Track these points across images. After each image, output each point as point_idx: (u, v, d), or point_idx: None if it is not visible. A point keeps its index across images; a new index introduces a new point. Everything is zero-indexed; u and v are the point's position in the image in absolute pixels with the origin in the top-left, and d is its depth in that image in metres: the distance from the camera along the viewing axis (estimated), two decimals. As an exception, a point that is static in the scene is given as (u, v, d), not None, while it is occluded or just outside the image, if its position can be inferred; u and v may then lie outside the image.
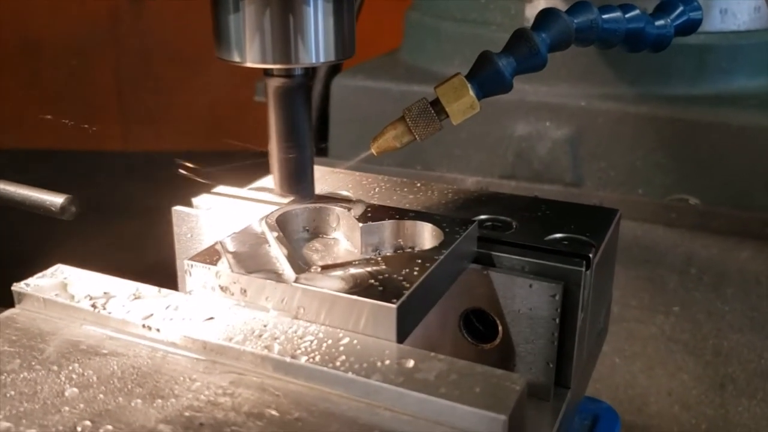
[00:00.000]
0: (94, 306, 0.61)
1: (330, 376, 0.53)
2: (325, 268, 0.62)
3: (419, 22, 2.20)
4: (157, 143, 3.29)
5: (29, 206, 0.74)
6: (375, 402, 0.52)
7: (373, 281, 0.60)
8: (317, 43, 0.70)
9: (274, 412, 0.51)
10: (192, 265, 0.63)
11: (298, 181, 0.77)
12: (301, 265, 0.62)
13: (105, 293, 0.63)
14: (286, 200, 0.77)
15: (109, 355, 0.57)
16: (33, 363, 0.56)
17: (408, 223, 0.70)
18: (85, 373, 0.55)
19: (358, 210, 0.71)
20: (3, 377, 0.54)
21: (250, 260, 0.64)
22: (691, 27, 0.88)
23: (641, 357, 1.59)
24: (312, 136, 0.78)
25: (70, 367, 0.56)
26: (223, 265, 0.62)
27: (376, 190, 0.85)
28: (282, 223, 0.70)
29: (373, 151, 0.78)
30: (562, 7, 0.78)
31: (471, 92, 0.74)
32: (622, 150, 1.88)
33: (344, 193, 0.83)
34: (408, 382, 0.52)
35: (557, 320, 0.67)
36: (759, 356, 1.55)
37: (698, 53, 1.89)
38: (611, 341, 1.63)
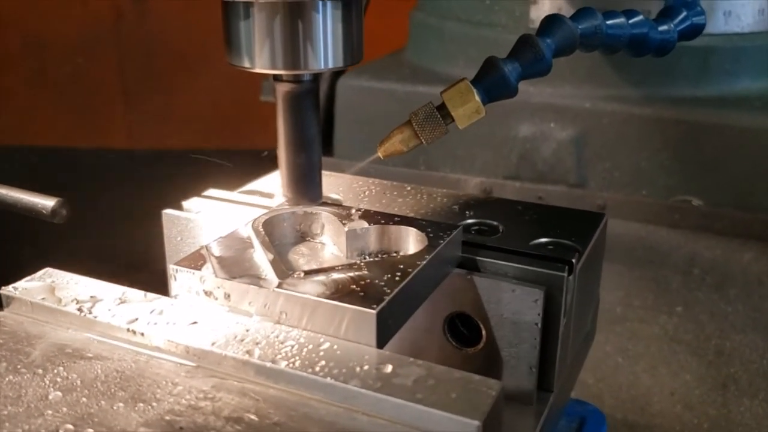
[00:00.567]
0: (80, 310, 0.62)
1: (309, 381, 0.54)
2: (308, 273, 0.63)
3: (424, 22, 2.20)
4: (162, 141, 3.30)
5: (21, 209, 0.75)
6: (353, 407, 0.53)
7: (354, 287, 0.61)
8: (326, 49, 0.70)
9: (253, 417, 0.52)
10: (177, 270, 0.64)
11: (307, 186, 0.78)
12: (284, 270, 0.63)
13: (92, 297, 0.64)
14: (274, 204, 0.78)
15: (93, 358, 0.58)
16: (18, 366, 0.57)
17: (393, 228, 0.70)
18: (70, 377, 0.56)
19: (344, 215, 0.72)
20: (-12, 381, 0.55)
21: (235, 265, 0.65)
22: (694, 32, 0.88)
23: (644, 357, 1.60)
24: (320, 140, 0.78)
25: (55, 371, 0.57)
26: (208, 269, 0.63)
27: (366, 193, 0.85)
28: (269, 228, 0.71)
29: (380, 154, 0.78)
30: (567, 8, 0.78)
31: (477, 97, 0.75)
32: (626, 151, 1.88)
33: (334, 196, 0.84)
34: (385, 387, 0.53)
35: (539, 325, 0.68)
36: (761, 357, 1.55)
37: (702, 55, 1.88)
38: (614, 341, 1.63)
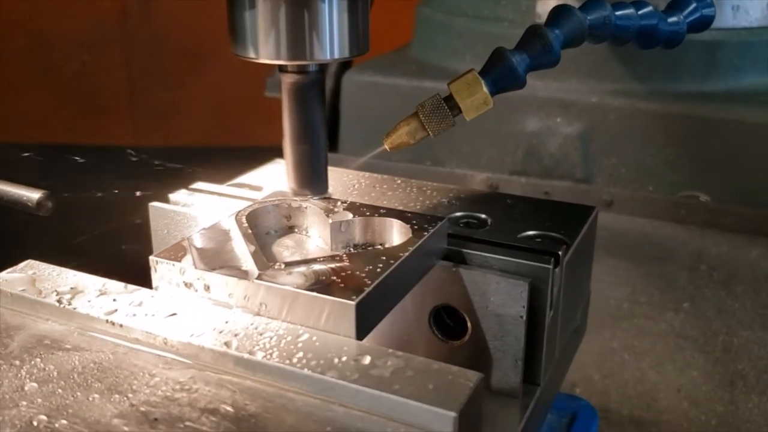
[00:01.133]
0: (59, 301, 0.62)
1: (286, 373, 0.54)
2: (289, 264, 0.62)
3: (430, 17, 2.20)
4: (167, 138, 3.31)
5: (7, 201, 0.75)
6: (330, 398, 0.53)
7: (335, 278, 0.61)
8: (332, 40, 0.70)
9: (229, 408, 0.52)
10: (157, 261, 0.64)
11: (312, 178, 0.77)
12: (265, 262, 0.63)
13: (72, 289, 0.64)
14: (260, 196, 0.77)
15: (71, 350, 0.58)
16: (-4, 357, 0.57)
17: (377, 220, 0.70)
18: (47, 368, 0.56)
19: (329, 207, 0.72)
20: (-35, 372, 0.55)
21: (216, 257, 0.65)
22: (703, 24, 0.88)
23: (651, 353, 1.60)
24: (326, 133, 0.78)
25: (32, 362, 0.57)
26: (188, 261, 0.63)
27: (355, 186, 0.85)
28: (253, 220, 0.70)
29: (386, 146, 0.78)
30: (573, 2, 0.78)
31: (484, 88, 0.75)
32: (632, 146, 1.88)
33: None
34: (363, 378, 0.53)
35: (524, 317, 0.67)
36: (769, 353, 1.55)
37: (710, 50, 1.88)
38: (620, 338, 1.63)
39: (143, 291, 0.64)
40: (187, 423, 0.51)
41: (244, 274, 0.62)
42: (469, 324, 0.70)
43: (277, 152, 0.94)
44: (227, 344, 0.56)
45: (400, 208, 0.77)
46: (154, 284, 0.65)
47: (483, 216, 0.78)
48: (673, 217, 1.81)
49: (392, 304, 0.64)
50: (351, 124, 2.08)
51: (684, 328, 1.64)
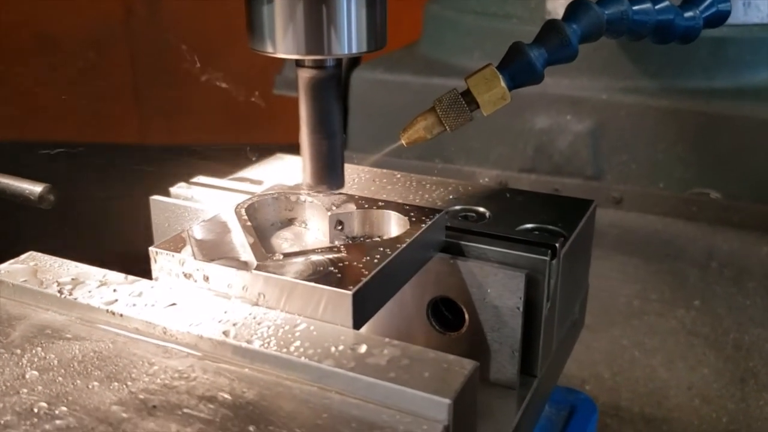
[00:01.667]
0: (60, 292, 0.63)
1: (284, 361, 0.56)
2: (287, 255, 0.64)
3: (439, 15, 2.21)
4: (173, 137, 3.33)
5: (9, 195, 0.76)
6: (327, 386, 0.54)
7: (332, 268, 0.62)
8: (350, 34, 0.71)
9: (226, 396, 0.54)
10: (157, 252, 0.65)
11: (329, 172, 0.78)
12: (263, 253, 0.64)
13: (73, 279, 0.65)
14: (260, 189, 0.79)
15: (72, 339, 0.60)
16: (-3, 346, 0.59)
17: (375, 212, 0.72)
18: (47, 357, 0.58)
19: (328, 199, 0.73)
20: (-33, 360, 0.57)
21: (215, 248, 0.66)
22: (719, 19, 0.88)
23: (661, 351, 1.61)
24: (342, 127, 0.78)
25: (33, 351, 0.58)
26: (187, 252, 0.65)
27: (355, 180, 0.87)
28: (252, 212, 0.72)
29: (403, 141, 0.79)
30: None
31: (502, 83, 0.76)
32: (643, 143, 1.89)
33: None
34: (359, 366, 0.54)
35: (521, 308, 0.68)
36: (781, 351, 1.56)
37: (721, 46, 1.88)
38: (631, 335, 1.64)
39: (143, 282, 0.65)
40: (185, 410, 0.52)
41: (242, 265, 0.63)
42: (466, 316, 0.71)
43: (282, 150, 0.95)
44: (226, 333, 0.58)
45: (399, 201, 0.79)
46: (153, 275, 0.67)
47: (481, 209, 0.79)
48: (683, 214, 1.82)
49: (389, 294, 0.65)
50: (360, 120, 2.09)
51: (695, 325, 1.65)
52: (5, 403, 0.52)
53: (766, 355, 1.55)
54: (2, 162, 0.84)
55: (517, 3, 2.00)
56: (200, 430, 0.50)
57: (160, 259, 0.65)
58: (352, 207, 0.72)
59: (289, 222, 0.76)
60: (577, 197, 0.83)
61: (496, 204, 0.80)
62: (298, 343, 0.57)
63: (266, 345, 0.56)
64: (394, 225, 0.71)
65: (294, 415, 0.52)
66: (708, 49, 1.87)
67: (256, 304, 0.62)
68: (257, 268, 0.62)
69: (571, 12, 0.78)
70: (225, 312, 0.60)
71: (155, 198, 0.80)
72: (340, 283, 0.60)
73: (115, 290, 0.64)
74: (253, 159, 0.94)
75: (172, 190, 0.82)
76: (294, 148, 0.85)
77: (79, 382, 0.55)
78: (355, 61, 2.13)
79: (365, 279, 0.60)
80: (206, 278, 0.64)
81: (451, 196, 0.83)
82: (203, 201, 0.80)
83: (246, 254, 0.65)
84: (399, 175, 0.88)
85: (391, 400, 0.52)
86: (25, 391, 0.54)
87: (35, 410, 0.52)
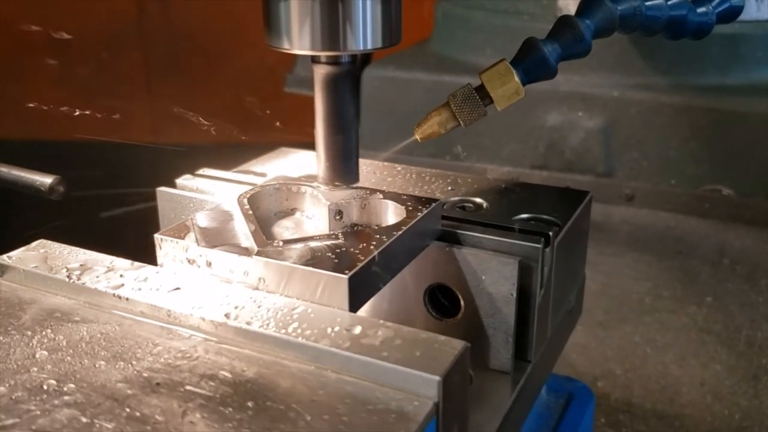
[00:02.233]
0: (69, 277, 0.67)
1: (282, 342, 0.59)
2: (287, 242, 0.67)
3: (450, 12, 2.23)
4: (186, 136, 3.36)
5: (21, 187, 0.80)
6: (323, 365, 0.58)
7: (330, 254, 0.65)
8: (365, 30, 0.73)
9: (227, 374, 0.57)
10: (162, 239, 0.69)
11: (344, 168, 0.80)
12: (264, 240, 0.67)
13: (81, 265, 0.69)
14: (262, 180, 0.82)
15: (80, 322, 0.63)
16: (9, 329, 0.62)
17: (373, 201, 0.75)
18: (56, 338, 0.61)
19: (327, 190, 0.76)
20: (-20, 341, 0.61)
21: (217, 235, 0.70)
22: (732, 14, 0.90)
23: (673, 348, 1.62)
24: (358, 123, 0.80)
25: (43, 333, 0.62)
26: (191, 239, 0.68)
27: (357, 172, 0.90)
28: (255, 202, 0.75)
29: (417, 137, 0.81)
30: None
31: (516, 78, 0.78)
32: (655, 140, 1.90)
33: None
34: (354, 346, 0.57)
35: (514, 295, 0.72)
36: (794, 347, 1.57)
37: (733, 42, 1.90)
38: (643, 332, 1.66)
39: (149, 267, 0.69)
40: (188, 387, 0.55)
41: (244, 251, 0.67)
42: (462, 302, 0.74)
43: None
44: (227, 316, 0.61)
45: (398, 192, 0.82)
46: (159, 261, 0.70)
47: (479, 200, 0.82)
48: (695, 211, 1.83)
49: (385, 279, 0.68)
50: (371, 118, 2.11)
51: (707, 322, 1.66)
52: (17, 381, 0.56)
53: (779, 352, 1.56)
54: (16, 160, 0.87)
55: (528, 0, 2.02)
56: (201, 406, 0.53)
57: (164, 246, 0.69)
58: (351, 197, 0.75)
59: (291, 212, 0.79)
60: (573, 189, 0.86)
61: (493, 195, 0.83)
62: (296, 324, 0.60)
63: (265, 326, 0.60)
64: (391, 214, 0.74)
65: (291, 392, 0.55)
66: (720, 45, 1.89)
67: (257, 289, 0.65)
68: (258, 253, 0.65)
69: (584, 7, 0.80)
70: (227, 296, 0.64)
71: (161, 189, 0.84)
72: (336, 268, 0.63)
73: (121, 275, 0.67)
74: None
75: (178, 181, 0.85)
76: (306, 147, 0.88)
77: (86, 361, 0.58)
78: (366, 59, 2.16)
79: (361, 264, 0.64)
80: (209, 264, 0.67)
81: (449, 188, 0.86)
82: (208, 192, 0.83)
83: (247, 241, 0.69)
84: (399, 168, 0.91)
85: (385, 378, 0.55)
86: (35, 369, 0.57)
87: (45, 387, 0.55)
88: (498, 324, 0.73)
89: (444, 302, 0.77)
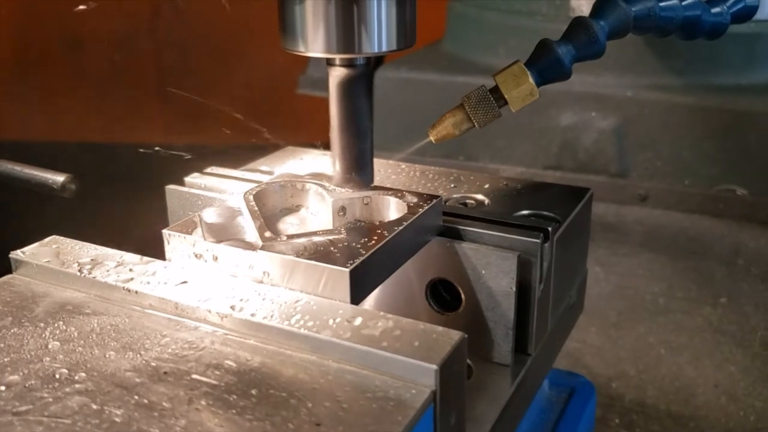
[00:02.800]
0: (80, 271, 0.70)
1: (285, 332, 0.62)
2: (291, 237, 0.70)
3: (462, 12, 2.25)
4: (199, 137, 3.40)
5: (34, 185, 0.83)
6: (325, 355, 0.60)
7: (333, 248, 0.68)
8: (380, 33, 0.74)
9: (232, 363, 0.60)
10: (170, 234, 0.72)
11: (359, 170, 0.81)
12: (268, 235, 0.70)
13: (92, 260, 0.72)
14: (269, 178, 0.85)
15: (91, 314, 0.67)
16: (23, 320, 0.66)
17: (376, 198, 0.78)
18: (68, 330, 0.64)
19: (331, 187, 0.79)
20: (-5, 332, 0.64)
21: (224, 230, 0.73)
22: (747, 14, 0.91)
23: (688, 348, 1.65)
24: (372, 125, 0.81)
25: (55, 325, 0.65)
26: (198, 234, 0.71)
27: (362, 170, 0.93)
28: (260, 199, 0.78)
29: (432, 138, 0.83)
30: None
31: (531, 79, 0.79)
32: (669, 140, 1.92)
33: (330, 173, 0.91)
34: (354, 337, 0.60)
35: (514, 289, 0.74)
36: (809, 349, 1.59)
37: (748, 42, 1.91)
38: (657, 333, 1.68)
39: (157, 262, 0.72)
40: (194, 376, 0.58)
41: (249, 246, 0.70)
42: (463, 296, 0.77)
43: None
44: (232, 308, 0.64)
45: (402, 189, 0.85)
46: (167, 256, 0.73)
47: (480, 197, 0.85)
48: (709, 211, 1.85)
49: (386, 273, 0.71)
50: (384, 119, 2.13)
51: (721, 323, 1.68)
52: (30, 370, 0.59)
53: (795, 353, 1.57)
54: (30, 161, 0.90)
55: (542, 0, 2.04)
56: (206, 393, 0.56)
57: (172, 241, 0.72)
58: (354, 194, 0.78)
59: (296, 208, 0.82)
60: (575, 186, 0.88)
61: (495, 192, 0.86)
62: (298, 316, 0.63)
63: (269, 318, 0.63)
64: (393, 210, 0.77)
65: (293, 380, 0.58)
66: (735, 45, 1.90)
67: (261, 282, 0.68)
68: (262, 248, 0.68)
69: (598, 8, 0.81)
70: (232, 289, 0.67)
71: (170, 187, 0.87)
72: (338, 262, 0.66)
73: (131, 270, 0.70)
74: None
75: (187, 179, 0.89)
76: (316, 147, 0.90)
77: (96, 351, 0.61)
78: (378, 61, 2.18)
79: (362, 258, 0.66)
80: (215, 258, 0.70)
81: (452, 185, 0.89)
82: (215, 189, 0.86)
83: (252, 236, 0.71)
84: (404, 166, 0.94)
85: (384, 366, 0.58)
86: (47, 359, 0.60)
87: (57, 376, 0.58)
88: (498, 317, 0.76)
89: (446, 296, 0.79)
